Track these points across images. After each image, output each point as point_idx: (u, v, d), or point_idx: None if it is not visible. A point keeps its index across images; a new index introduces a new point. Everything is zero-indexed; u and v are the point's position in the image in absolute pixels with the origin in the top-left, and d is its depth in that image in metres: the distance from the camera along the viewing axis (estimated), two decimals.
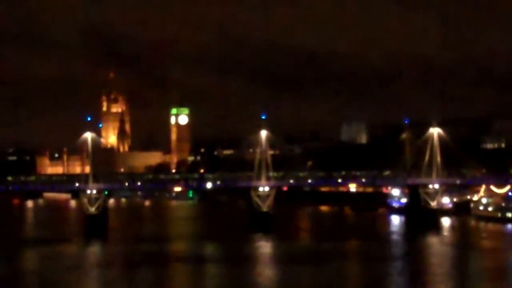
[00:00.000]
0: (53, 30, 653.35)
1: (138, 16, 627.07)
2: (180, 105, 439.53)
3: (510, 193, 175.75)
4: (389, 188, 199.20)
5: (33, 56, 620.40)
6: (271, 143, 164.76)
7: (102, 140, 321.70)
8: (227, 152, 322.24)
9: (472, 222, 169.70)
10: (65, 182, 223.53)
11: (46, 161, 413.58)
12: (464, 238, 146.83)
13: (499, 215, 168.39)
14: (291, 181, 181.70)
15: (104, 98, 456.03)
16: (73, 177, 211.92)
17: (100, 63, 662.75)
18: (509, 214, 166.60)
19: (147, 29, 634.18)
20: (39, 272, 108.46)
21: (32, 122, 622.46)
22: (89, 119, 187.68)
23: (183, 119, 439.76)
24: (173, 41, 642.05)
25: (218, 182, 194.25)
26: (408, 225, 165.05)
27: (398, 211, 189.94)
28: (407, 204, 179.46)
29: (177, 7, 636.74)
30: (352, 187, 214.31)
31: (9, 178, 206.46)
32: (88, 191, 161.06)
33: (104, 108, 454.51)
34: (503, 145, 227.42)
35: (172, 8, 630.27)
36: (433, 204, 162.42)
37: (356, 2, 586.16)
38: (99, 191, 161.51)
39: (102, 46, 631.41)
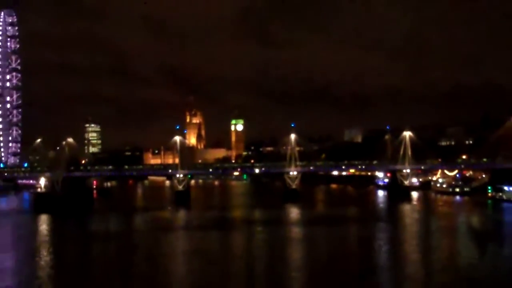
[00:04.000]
0: (141, 67, 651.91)
1: (203, 55, 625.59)
2: (237, 117, 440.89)
3: (457, 175, 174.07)
4: (377, 172, 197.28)
5: (130, 85, 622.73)
6: (298, 142, 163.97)
7: (186, 141, 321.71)
8: (269, 148, 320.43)
9: (432, 195, 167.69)
10: (162, 169, 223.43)
11: (149, 155, 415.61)
12: (426, 205, 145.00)
13: (450, 190, 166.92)
14: (311, 168, 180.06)
15: (187, 113, 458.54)
16: (167, 166, 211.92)
17: (177, 89, 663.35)
18: (457, 189, 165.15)
19: (210, 65, 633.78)
20: (145, 230, 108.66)
21: (141, 130, 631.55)
22: (177, 127, 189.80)
23: (240, 127, 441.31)
24: (226, 75, 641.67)
25: (263, 169, 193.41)
26: (389, 197, 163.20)
27: (382, 187, 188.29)
28: (388, 183, 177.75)
29: (226, 50, 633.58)
30: (352, 172, 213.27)
31: (126, 167, 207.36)
32: (177, 175, 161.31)
33: (188, 120, 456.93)
34: (453, 143, 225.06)
35: (223, 49, 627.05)
36: (406, 182, 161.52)
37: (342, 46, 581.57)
38: (185, 175, 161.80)
39: (177, 77, 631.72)
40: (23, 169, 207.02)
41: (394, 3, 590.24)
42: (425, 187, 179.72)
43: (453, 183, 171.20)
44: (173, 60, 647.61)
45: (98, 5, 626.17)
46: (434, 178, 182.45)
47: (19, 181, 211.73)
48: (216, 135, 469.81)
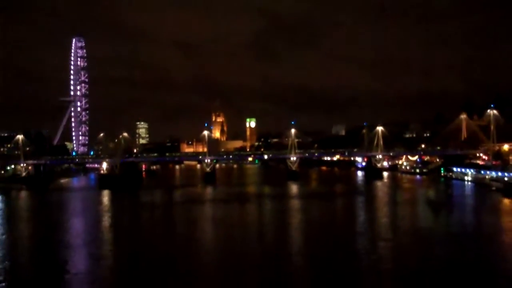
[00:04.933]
0: (177, 79, 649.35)
1: (224, 69, 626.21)
2: (251, 117, 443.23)
3: (418, 160, 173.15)
4: (356, 157, 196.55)
5: (170, 92, 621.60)
6: (296, 135, 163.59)
7: (212, 135, 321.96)
8: (275, 140, 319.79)
9: (399, 174, 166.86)
10: (194, 156, 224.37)
11: (185, 145, 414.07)
12: (394, 182, 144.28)
13: (412, 170, 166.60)
14: (307, 154, 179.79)
15: (213, 114, 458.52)
16: (198, 153, 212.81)
17: (204, 95, 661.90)
18: (417, 170, 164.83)
19: (230, 77, 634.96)
20: (182, 202, 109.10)
21: (178, 126, 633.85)
22: (206, 124, 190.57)
23: (253, 124, 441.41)
24: (242, 84, 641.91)
25: (270, 155, 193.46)
26: (366, 176, 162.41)
27: (361, 169, 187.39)
28: (365, 166, 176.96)
29: (242, 64, 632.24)
30: (338, 157, 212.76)
31: (167, 154, 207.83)
32: (206, 160, 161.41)
33: (213, 119, 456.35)
34: (414, 135, 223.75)
35: (239, 63, 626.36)
36: (379, 165, 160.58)
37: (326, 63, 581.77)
38: (211, 160, 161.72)
39: (204, 86, 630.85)
40: (90, 156, 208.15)
41: (369, 26, 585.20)
42: (393, 168, 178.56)
43: (415, 165, 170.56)
44: (200, 72, 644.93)
45: (141, 32, 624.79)
46: (400, 162, 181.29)
47: (87, 165, 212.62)
48: (235, 130, 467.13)
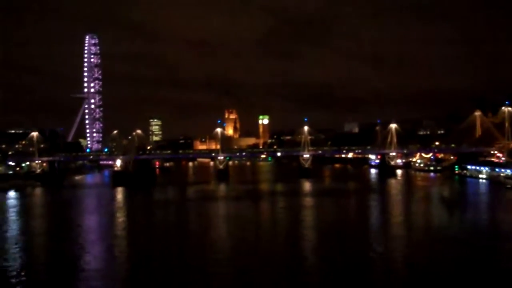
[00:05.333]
0: (189, 76, 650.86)
1: (236, 67, 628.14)
2: (263, 114, 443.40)
3: (432, 157, 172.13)
4: (370, 155, 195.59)
5: (183, 90, 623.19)
6: (309, 133, 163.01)
7: (225, 132, 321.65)
8: (288, 137, 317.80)
9: (412, 172, 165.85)
10: (207, 153, 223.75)
11: (198, 142, 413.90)
12: (408, 180, 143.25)
13: (426, 168, 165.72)
14: (320, 152, 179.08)
15: (226, 111, 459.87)
16: (211, 151, 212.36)
17: (217, 93, 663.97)
18: (431, 168, 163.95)
19: (242, 74, 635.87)
20: (195, 199, 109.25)
21: (191, 123, 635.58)
22: (219, 121, 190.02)
23: (265, 121, 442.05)
24: (254, 82, 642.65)
25: (283, 153, 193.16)
26: (379, 174, 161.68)
27: (374, 167, 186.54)
28: (379, 163, 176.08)
29: (253, 62, 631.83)
30: (351, 155, 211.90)
31: (180, 151, 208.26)
32: (219, 157, 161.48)
33: (226, 116, 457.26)
34: (428, 133, 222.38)
35: (251, 61, 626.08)
36: (392, 163, 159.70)
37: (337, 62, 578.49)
38: (224, 157, 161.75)
39: (217, 84, 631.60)
40: (104, 153, 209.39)
41: (379, 24, 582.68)
42: (407, 166, 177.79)
43: (428, 163, 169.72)
44: (214, 70, 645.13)
45: (153, 29, 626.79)
46: (414, 159, 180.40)
47: (101, 162, 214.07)
48: (247, 127, 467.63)
